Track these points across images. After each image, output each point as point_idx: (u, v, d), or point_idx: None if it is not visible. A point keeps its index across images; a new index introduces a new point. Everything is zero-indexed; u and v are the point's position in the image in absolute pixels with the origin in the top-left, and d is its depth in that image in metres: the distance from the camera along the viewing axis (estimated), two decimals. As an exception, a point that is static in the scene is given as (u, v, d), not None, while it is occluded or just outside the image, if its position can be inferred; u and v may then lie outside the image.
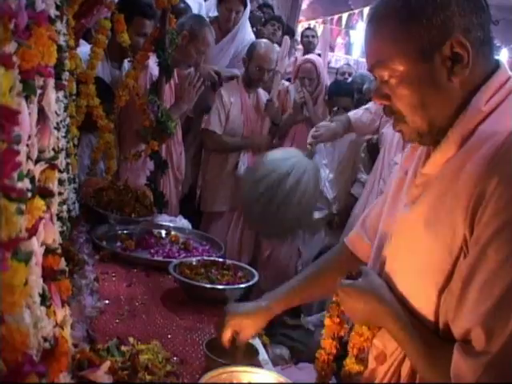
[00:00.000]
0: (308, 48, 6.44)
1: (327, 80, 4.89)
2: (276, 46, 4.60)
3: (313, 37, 6.50)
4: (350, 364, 1.41)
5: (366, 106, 4.06)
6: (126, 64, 3.53)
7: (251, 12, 5.11)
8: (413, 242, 1.21)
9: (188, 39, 3.53)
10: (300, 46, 6.87)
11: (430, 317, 1.17)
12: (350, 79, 5.70)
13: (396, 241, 1.29)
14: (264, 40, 4.33)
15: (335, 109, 4.24)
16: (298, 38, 7.01)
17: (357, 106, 4.23)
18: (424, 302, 1.18)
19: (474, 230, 1.05)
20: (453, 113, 1.15)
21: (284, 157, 3.00)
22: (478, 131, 1.12)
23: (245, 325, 1.63)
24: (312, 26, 12.45)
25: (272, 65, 4.15)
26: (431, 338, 1.16)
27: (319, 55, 5.94)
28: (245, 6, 4.36)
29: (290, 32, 5.87)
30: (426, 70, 1.12)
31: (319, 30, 14.25)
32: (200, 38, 3.68)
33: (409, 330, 1.18)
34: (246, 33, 4.50)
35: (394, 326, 1.21)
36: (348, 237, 1.63)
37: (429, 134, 1.19)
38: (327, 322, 1.50)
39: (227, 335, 1.62)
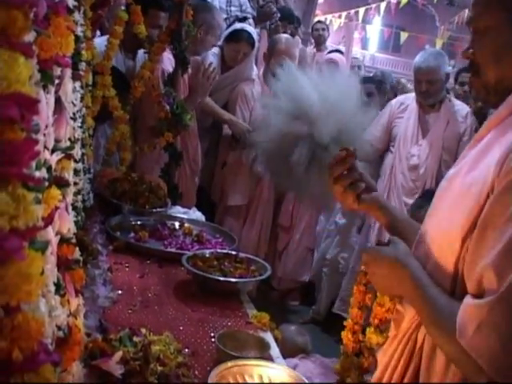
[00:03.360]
0: (318, 41, 6.36)
1: None
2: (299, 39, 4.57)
3: (323, 30, 6.42)
4: (371, 334, 1.42)
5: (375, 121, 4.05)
6: (140, 55, 3.54)
7: (261, 7, 5.04)
8: (450, 196, 1.24)
9: (205, 30, 3.53)
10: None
11: (450, 271, 1.18)
12: (361, 72, 5.68)
13: (437, 199, 1.33)
14: (285, 35, 4.31)
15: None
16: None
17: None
18: (448, 255, 1.19)
19: (500, 172, 1.08)
20: None
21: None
22: None
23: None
24: (328, 21, 12.41)
25: (293, 60, 4.15)
26: (450, 305, 1.15)
27: (338, 51, 5.88)
28: (252, 48, 4.19)
29: (296, 21, 5.73)
30: (507, 28, 1.20)
31: (335, 24, 14.22)
32: (216, 26, 3.69)
33: (427, 297, 1.19)
34: (250, 69, 4.33)
35: (413, 292, 1.22)
36: None
37: (494, 91, 1.24)
38: (354, 290, 1.51)
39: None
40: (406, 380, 1.28)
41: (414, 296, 1.23)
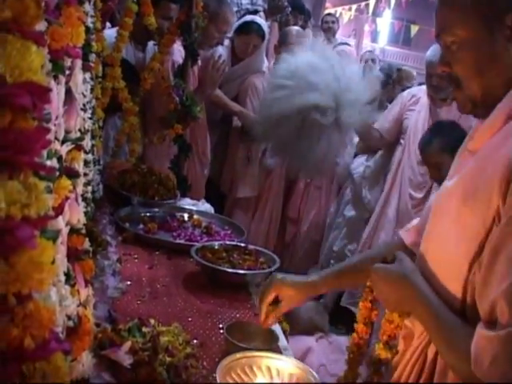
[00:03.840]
0: (328, 34, 6.34)
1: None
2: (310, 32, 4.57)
3: (333, 22, 6.38)
4: (380, 350, 1.43)
5: (387, 110, 4.03)
6: (150, 46, 3.53)
7: (273, 0, 5.02)
8: (449, 214, 1.21)
9: (208, 19, 3.49)
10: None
11: (459, 294, 1.17)
12: (376, 66, 5.65)
13: (434, 215, 1.31)
14: (296, 27, 4.29)
15: None
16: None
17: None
18: (454, 277, 1.17)
19: (506, 200, 1.05)
20: (507, 85, 1.17)
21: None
22: None
23: (288, 293, 1.65)
24: (338, 14, 12.33)
25: None
26: (458, 324, 1.15)
27: (346, 44, 5.85)
28: (263, 40, 4.14)
29: (305, 13, 5.74)
30: (486, 38, 1.17)
31: (345, 17, 14.15)
32: (220, 18, 3.65)
33: (436, 315, 1.18)
34: (261, 62, 4.29)
35: (422, 310, 1.22)
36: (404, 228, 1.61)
37: (482, 103, 1.21)
38: (360, 306, 1.51)
39: (269, 298, 1.65)
40: None
41: (422, 313, 1.22)
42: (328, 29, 6.33)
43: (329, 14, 7.16)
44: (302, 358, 2.62)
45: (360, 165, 4.37)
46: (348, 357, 1.59)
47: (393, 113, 3.92)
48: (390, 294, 1.30)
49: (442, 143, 2.95)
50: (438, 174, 3.05)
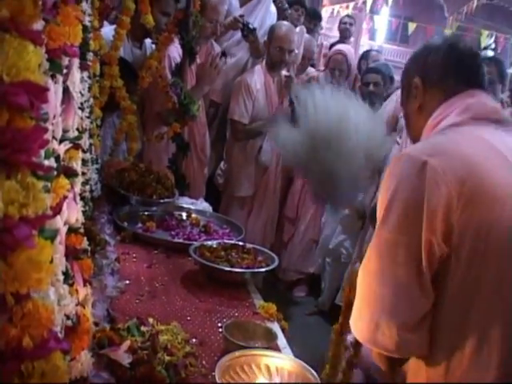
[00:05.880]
0: (343, 35, 6.33)
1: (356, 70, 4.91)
2: (304, 29, 4.58)
3: (350, 25, 6.37)
4: None
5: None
6: (148, 43, 3.53)
7: (274, 1, 5.03)
8: None
9: (199, 11, 3.49)
10: (323, 31, 6.76)
11: None
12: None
13: None
14: (284, 22, 4.28)
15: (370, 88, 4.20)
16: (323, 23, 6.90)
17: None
18: None
19: None
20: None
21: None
22: None
23: None
24: (336, 12, 12.33)
25: (292, 45, 4.10)
26: None
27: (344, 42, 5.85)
28: None
29: (317, 17, 5.78)
30: (406, 101, 1.62)
31: (343, 14, 14.13)
32: (209, 7, 3.64)
33: None
34: (271, 4, 4.46)
35: None
36: None
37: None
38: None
39: None
40: None
41: None
42: (345, 29, 6.32)
43: (348, 16, 7.14)
44: None
45: None
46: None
47: (387, 110, 3.89)
48: None
49: None
50: None
